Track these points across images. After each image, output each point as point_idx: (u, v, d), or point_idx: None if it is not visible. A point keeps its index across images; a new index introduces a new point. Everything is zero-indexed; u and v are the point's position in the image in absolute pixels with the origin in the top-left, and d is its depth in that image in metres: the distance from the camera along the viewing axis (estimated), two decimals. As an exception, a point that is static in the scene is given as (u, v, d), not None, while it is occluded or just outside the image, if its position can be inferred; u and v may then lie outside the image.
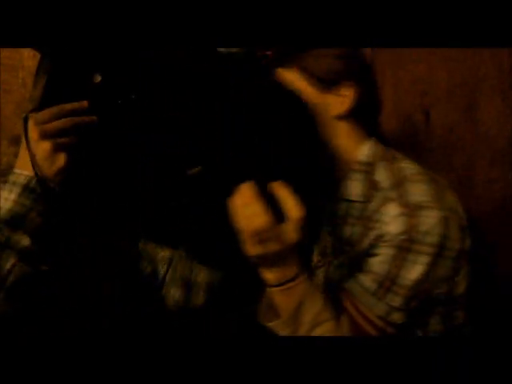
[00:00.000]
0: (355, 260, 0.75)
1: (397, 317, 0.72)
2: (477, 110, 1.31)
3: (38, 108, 0.63)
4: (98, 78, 0.60)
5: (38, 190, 0.64)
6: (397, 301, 0.71)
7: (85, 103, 0.62)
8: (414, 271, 0.71)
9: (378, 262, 0.72)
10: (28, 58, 1.21)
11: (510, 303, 1.12)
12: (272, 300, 0.70)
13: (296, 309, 0.68)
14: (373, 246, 0.73)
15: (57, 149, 0.62)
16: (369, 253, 0.73)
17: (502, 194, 1.33)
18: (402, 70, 1.33)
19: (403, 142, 1.35)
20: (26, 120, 0.62)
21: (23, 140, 0.63)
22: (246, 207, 0.61)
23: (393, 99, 1.35)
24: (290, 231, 0.64)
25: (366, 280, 0.72)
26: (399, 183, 0.75)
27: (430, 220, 0.71)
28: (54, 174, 0.63)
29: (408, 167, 0.78)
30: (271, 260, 0.66)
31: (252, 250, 0.63)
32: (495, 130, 1.31)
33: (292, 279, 0.68)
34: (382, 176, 0.77)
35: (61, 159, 0.63)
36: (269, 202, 0.62)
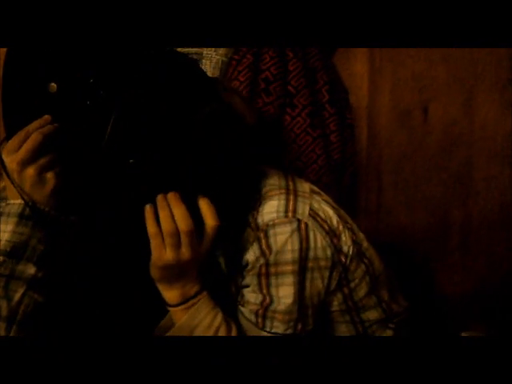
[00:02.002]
0: (237, 291, 0.73)
1: None
2: (475, 106, 1.30)
3: (6, 138, 0.62)
4: (54, 87, 0.59)
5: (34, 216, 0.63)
6: (277, 327, 0.69)
7: (47, 117, 0.61)
8: (283, 295, 0.68)
9: (251, 293, 0.70)
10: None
11: None
12: (173, 319, 0.69)
13: (195, 325, 0.68)
14: (243, 276, 0.71)
15: (42, 170, 0.61)
16: (242, 284, 0.71)
17: (501, 190, 1.32)
18: (400, 66, 1.32)
19: (401, 138, 1.34)
20: (0, 158, 0.61)
21: (5, 175, 0.62)
22: (174, 208, 0.61)
23: (391, 95, 1.34)
24: (204, 240, 0.64)
25: (246, 312, 0.70)
26: (256, 205, 0.71)
27: (281, 237, 0.68)
28: (47, 196, 0.62)
29: (268, 184, 0.73)
30: (175, 275, 0.66)
31: (165, 256, 0.63)
32: (493, 126, 1.30)
33: (193, 297, 0.68)
34: (245, 198, 0.72)
35: (50, 179, 0.62)
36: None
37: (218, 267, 0.75)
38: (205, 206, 0.64)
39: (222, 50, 1.13)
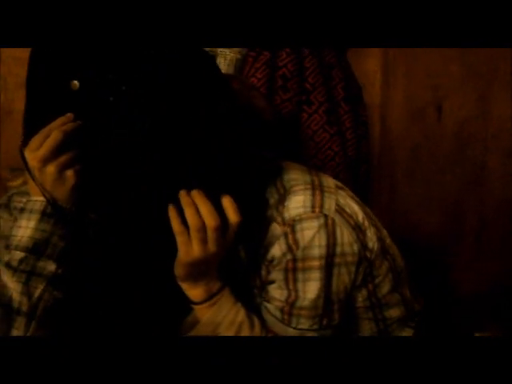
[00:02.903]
0: (261, 286, 0.72)
1: (312, 335, 0.69)
2: (490, 103, 1.29)
3: (27, 137, 0.62)
4: (76, 85, 0.59)
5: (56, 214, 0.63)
6: (303, 323, 0.68)
7: (70, 115, 0.61)
8: (309, 290, 0.68)
9: (276, 289, 0.69)
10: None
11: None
12: (198, 317, 0.69)
13: (219, 322, 0.68)
14: (268, 271, 0.70)
15: (62, 168, 0.61)
16: (267, 279, 0.71)
17: (516, 187, 1.31)
18: (414, 63, 1.31)
19: (415, 136, 1.33)
20: (21, 153, 0.61)
21: (28, 173, 0.62)
22: (200, 205, 0.62)
23: (405, 92, 1.32)
24: (228, 236, 0.64)
25: (271, 308, 0.70)
26: (281, 199, 0.70)
27: (309, 232, 0.67)
28: (67, 193, 0.62)
29: (292, 179, 0.72)
30: (201, 271, 0.66)
31: (192, 252, 0.63)
32: (508, 124, 1.29)
33: (217, 293, 0.68)
34: (268, 193, 0.72)
35: (70, 177, 0.62)
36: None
37: (239, 262, 0.74)
38: (227, 203, 0.63)
39: (236, 48, 1.12)
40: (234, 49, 1.11)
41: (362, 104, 1.23)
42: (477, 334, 1.06)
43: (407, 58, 1.30)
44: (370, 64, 1.30)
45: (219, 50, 1.12)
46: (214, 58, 0.67)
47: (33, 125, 0.63)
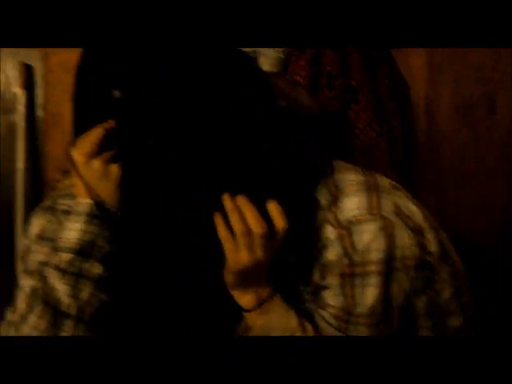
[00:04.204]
0: (315, 291, 0.68)
1: None
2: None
3: (74, 138, 0.64)
4: (118, 94, 0.61)
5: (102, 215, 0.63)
6: (361, 331, 0.64)
7: (111, 121, 0.62)
8: (368, 296, 0.64)
9: (331, 295, 0.65)
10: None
11: None
12: (249, 324, 0.67)
13: (271, 329, 0.65)
14: (322, 276, 0.66)
15: (107, 162, 0.62)
16: (321, 285, 0.66)
17: None
18: (462, 57, 1.24)
19: (464, 134, 1.26)
20: (68, 152, 0.63)
21: (74, 172, 0.63)
22: (246, 211, 0.60)
23: (452, 88, 1.26)
24: (275, 241, 0.61)
25: (326, 315, 0.66)
26: (334, 200, 0.66)
27: (366, 235, 0.63)
28: (112, 189, 0.62)
29: (345, 179, 0.68)
30: (250, 278, 0.64)
31: (241, 258, 0.61)
32: None
33: (267, 299, 0.65)
34: (319, 194, 0.68)
35: (114, 171, 0.62)
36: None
37: (290, 267, 0.71)
38: (273, 209, 0.61)
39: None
40: (277, 48, 1.09)
41: (408, 101, 1.18)
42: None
43: (454, 52, 1.24)
44: (414, 60, 1.25)
45: (261, 49, 1.10)
46: (254, 59, 0.65)
47: (79, 129, 0.64)
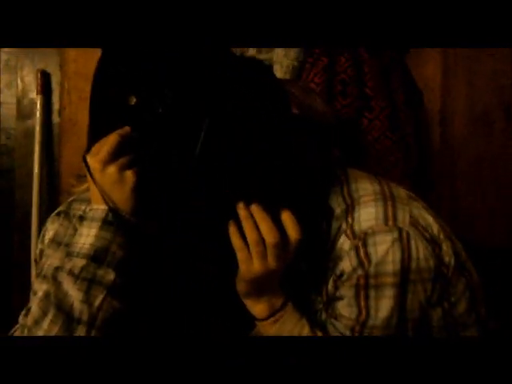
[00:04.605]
0: (328, 301, 0.67)
1: None
2: None
3: (90, 146, 0.63)
4: (133, 100, 0.61)
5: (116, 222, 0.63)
6: None
7: (127, 128, 0.62)
8: (383, 308, 0.63)
9: (345, 306, 0.64)
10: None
11: None
12: (262, 333, 0.66)
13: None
14: (336, 286, 0.65)
15: (122, 168, 0.61)
16: (335, 295, 0.66)
17: None
18: (477, 65, 1.22)
19: (479, 144, 1.24)
20: (84, 159, 0.62)
21: (90, 178, 0.63)
22: (259, 220, 0.59)
23: (467, 96, 1.24)
24: (288, 251, 0.61)
25: (340, 326, 0.65)
26: (349, 210, 0.65)
27: (382, 247, 0.62)
28: (126, 195, 0.62)
29: (360, 188, 0.67)
30: (263, 287, 0.63)
31: (253, 267, 0.60)
32: None
33: (280, 309, 0.65)
34: (334, 202, 0.67)
35: (129, 177, 0.61)
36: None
37: (303, 276, 0.71)
38: (287, 219, 0.60)
39: (292, 55, 1.09)
40: (291, 55, 1.08)
41: (422, 109, 1.17)
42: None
43: (469, 60, 1.22)
44: (429, 68, 1.23)
45: (275, 57, 1.10)
46: (269, 67, 0.65)
47: (95, 136, 0.64)
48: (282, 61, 1.09)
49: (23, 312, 0.63)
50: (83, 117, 1.34)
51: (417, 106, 1.15)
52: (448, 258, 0.66)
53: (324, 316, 0.68)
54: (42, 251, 0.73)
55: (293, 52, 1.08)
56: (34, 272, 1.25)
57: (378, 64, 1.05)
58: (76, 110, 1.34)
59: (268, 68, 0.65)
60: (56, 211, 0.76)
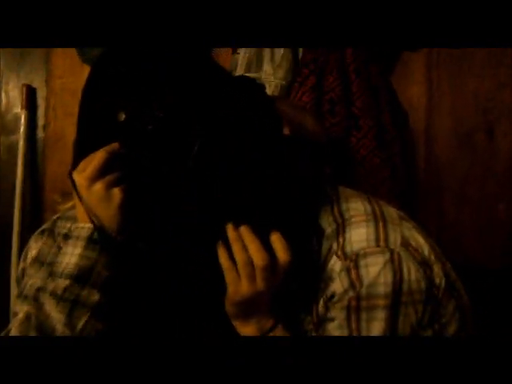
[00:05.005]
0: (318, 322, 0.66)
1: None
2: (546, 128, 1.21)
3: (77, 161, 0.62)
4: (123, 116, 0.60)
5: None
6: None
7: (115, 144, 0.60)
8: (374, 331, 0.62)
9: (335, 328, 0.63)
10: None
11: None
12: None
13: None
14: (327, 308, 0.65)
15: (109, 185, 0.60)
16: (326, 317, 0.65)
17: None
18: (462, 86, 1.24)
19: (463, 163, 1.25)
20: (71, 176, 0.61)
21: (76, 195, 0.62)
22: (248, 242, 0.59)
23: (451, 116, 1.26)
24: (277, 273, 0.60)
25: None
26: (340, 230, 0.65)
27: (374, 268, 0.62)
28: (113, 213, 0.60)
29: (351, 208, 0.67)
30: (251, 309, 0.62)
31: (241, 289, 0.60)
32: None
33: (270, 330, 0.64)
34: (324, 222, 0.67)
35: (116, 195, 0.60)
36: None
37: (293, 297, 0.69)
38: (276, 241, 0.60)
39: (280, 74, 1.10)
40: (279, 75, 1.09)
41: (408, 129, 1.18)
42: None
43: (453, 82, 1.24)
44: (413, 88, 1.25)
45: (263, 76, 1.10)
46: (260, 85, 0.65)
47: (82, 151, 0.63)
48: (270, 80, 1.09)
49: (3, 334, 0.60)
50: (68, 132, 1.32)
51: (402, 127, 1.16)
52: (439, 279, 0.65)
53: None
54: (24, 270, 0.71)
55: (281, 71, 1.09)
56: (14, 292, 1.21)
57: (365, 84, 1.06)
58: (61, 126, 1.33)
59: (259, 86, 0.64)
60: (40, 229, 0.74)
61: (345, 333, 0.63)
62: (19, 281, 0.70)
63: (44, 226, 0.74)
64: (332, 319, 0.64)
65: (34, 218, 1.30)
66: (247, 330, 0.63)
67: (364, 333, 0.62)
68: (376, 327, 0.62)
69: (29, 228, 1.26)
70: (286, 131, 0.70)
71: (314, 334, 0.67)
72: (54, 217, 0.75)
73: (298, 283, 0.66)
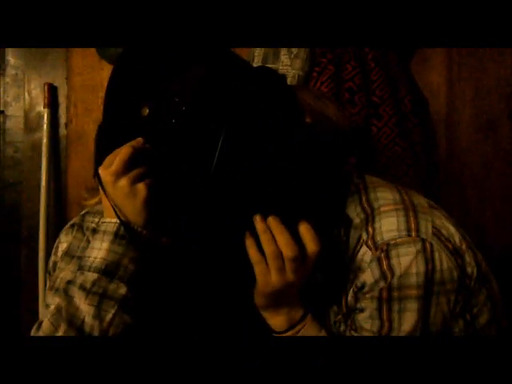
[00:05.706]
0: (347, 313, 0.65)
1: None
2: None
3: (102, 157, 0.62)
4: (146, 111, 0.60)
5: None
6: None
7: (139, 139, 0.60)
8: (406, 321, 0.61)
9: (366, 318, 0.62)
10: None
11: None
12: None
13: None
14: (357, 298, 0.63)
15: (134, 181, 0.60)
16: (356, 307, 0.64)
17: None
18: (482, 73, 1.21)
19: (485, 150, 1.22)
20: (96, 172, 0.61)
21: (102, 190, 0.61)
22: (277, 234, 0.58)
23: (473, 103, 1.23)
24: (306, 264, 0.59)
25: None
26: (369, 220, 0.64)
27: (405, 258, 0.60)
28: (138, 208, 0.60)
29: (380, 197, 0.65)
30: (281, 300, 0.62)
31: (271, 281, 0.59)
32: None
33: (300, 321, 0.63)
34: (352, 212, 0.65)
35: (141, 190, 0.60)
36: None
37: (322, 288, 0.69)
38: (305, 231, 0.58)
39: (297, 65, 1.08)
40: (296, 66, 1.07)
41: (428, 117, 1.16)
42: None
43: (474, 69, 1.22)
44: (433, 76, 1.22)
45: (280, 67, 1.09)
46: (282, 75, 0.64)
47: (107, 148, 0.63)
48: (287, 71, 1.08)
49: (35, 326, 0.62)
50: (89, 129, 1.34)
51: (423, 114, 1.14)
52: (470, 268, 0.64)
53: (343, 327, 0.66)
54: (55, 263, 0.72)
55: (298, 62, 1.08)
56: (41, 285, 1.24)
57: (385, 72, 1.04)
58: (82, 123, 1.34)
59: (281, 76, 0.63)
60: (70, 223, 0.75)
61: (375, 323, 0.62)
62: (51, 274, 0.71)
63: (73, 221, 0.75)
64: (362, 310, 0.63)
65: (59, 213, 1.32)
66: (277, 320, 0.63)
67: (395, 324, 0.61)
68: (408, 318, 0.61)
69: (54, 224, 1.28)
70: (308, 120, 0.69)
71: (342, 325, 0.66)
72: (83, 212, 0.76)
73: (327, 274, 0.66)
